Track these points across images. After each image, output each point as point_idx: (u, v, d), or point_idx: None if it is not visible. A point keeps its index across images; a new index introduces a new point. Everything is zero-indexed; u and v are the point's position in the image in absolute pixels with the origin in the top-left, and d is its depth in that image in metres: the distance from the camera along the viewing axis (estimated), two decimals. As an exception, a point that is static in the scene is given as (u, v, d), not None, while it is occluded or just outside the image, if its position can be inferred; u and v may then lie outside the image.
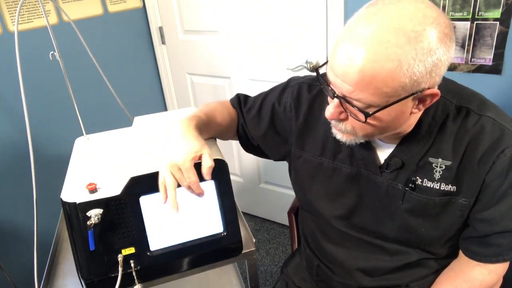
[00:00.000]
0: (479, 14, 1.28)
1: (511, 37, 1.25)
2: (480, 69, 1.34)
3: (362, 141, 0.74)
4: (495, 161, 0.71)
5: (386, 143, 0.79)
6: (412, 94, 0.62)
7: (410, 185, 0.77)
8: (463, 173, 0.74)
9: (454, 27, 1.33)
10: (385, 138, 0.79)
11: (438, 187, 0.75)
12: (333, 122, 0.74)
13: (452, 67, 1.39)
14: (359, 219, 0.86)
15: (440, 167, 0.75)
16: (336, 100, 0.67)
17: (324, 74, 0.70)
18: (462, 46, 1.34)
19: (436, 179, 0.75)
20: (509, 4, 1.22)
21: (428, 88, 0.63)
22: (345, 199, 0.86)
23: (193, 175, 0.71)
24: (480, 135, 0.72)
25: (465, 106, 0.74)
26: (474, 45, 1.32)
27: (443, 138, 0.74)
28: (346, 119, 0.70)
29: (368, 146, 0.80)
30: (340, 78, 0.63)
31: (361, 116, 0.65)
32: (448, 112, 0.74)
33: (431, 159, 0.75)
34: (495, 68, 1.32)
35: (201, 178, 0.72)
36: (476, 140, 0.72)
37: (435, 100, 0.66)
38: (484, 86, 1.35)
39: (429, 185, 0.76)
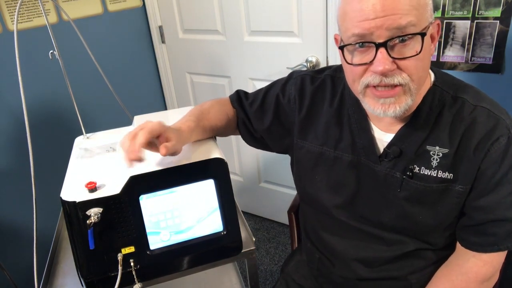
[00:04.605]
0: (479, 13, 1.28)
1: (511, 36, 1.25)
2: (480, 68, 1.34)
3: (410, 104, 0.71)
4: (489, 149, 0.73)
5: (386, 132, 0.81)
6: (431, 22, 0.69)
7: (408, 173, 0.78)
8: (459, 160, 0.75)
9: (454, 26, 1.33)
10: (389, 123, 0.80)
11: (435, 175, 0.77)
12: (382, 92, 0.70)
13: (452, 66, 1.39)
14: (359, 208, 0.86)
15: (437, 155, 0.76)
16: (383, 51, 0.66)
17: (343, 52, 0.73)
18: (462, 45, 1.34)
19: (433, 166, 0.77)
20: (509, 3, 1.22)
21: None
22: (345, 188, 0.87)
23: (141, 136, 0.69)
24: (475, 124, 0.74)
25: (461, 96, 0.77)
26: (474, 44, 1.32)
27: (440, 127, 0.76)
28: (397, 68, 0.69)
29: (368, 135, 0.82)
30: (381, 15, 0.64)
31: (417, 43, 0.67)
32: (445, 102, 0.77)
33: (428, 147, 0.77)
34: (495, 67, 1.31)
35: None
36: (471, 129, 0.74)
37: (438, 34, 0.73)
38: (484, 85, 1.35)
39: (426, 173, 0.78)
